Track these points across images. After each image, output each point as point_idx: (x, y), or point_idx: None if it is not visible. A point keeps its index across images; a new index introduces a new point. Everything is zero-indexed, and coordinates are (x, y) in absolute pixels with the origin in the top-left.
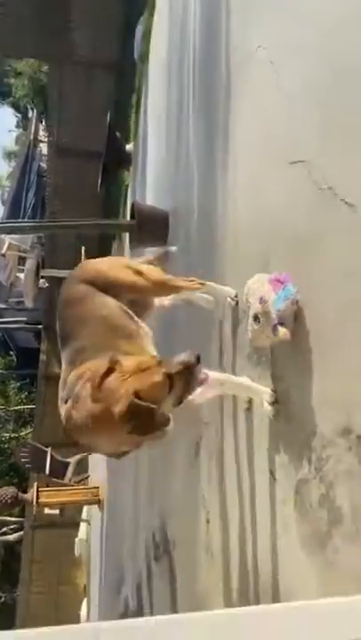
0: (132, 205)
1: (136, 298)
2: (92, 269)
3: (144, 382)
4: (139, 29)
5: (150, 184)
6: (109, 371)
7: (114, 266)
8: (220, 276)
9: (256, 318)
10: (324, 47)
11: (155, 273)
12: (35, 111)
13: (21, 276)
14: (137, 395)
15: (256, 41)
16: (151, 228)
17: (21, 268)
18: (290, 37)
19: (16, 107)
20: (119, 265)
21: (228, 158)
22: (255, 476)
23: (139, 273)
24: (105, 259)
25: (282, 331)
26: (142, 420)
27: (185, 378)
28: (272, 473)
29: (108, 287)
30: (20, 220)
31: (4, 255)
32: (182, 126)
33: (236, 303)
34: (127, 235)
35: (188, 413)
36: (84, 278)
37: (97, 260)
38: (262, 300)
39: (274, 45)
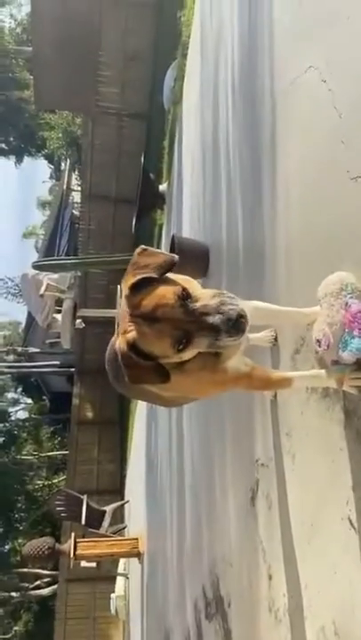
0: (172, 239)
1: None
2: None
3: None
4: (169, 75)
5: (186, 222)
6: None
7: None
8: (273, 301)
9: (318, 342)
10: None
11: None
12: (68, 161)
13: (58, 317)
14: None
15: (306, 62)
16: (192, 260)
17: (58, 308)
18: (344, 52)
19: (49, 159)
20: None
21: (277, 186)
22: (329, 526)
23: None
24: None
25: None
26: None
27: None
28: (350, 521)
29: None
30: (57, 257)
31: (42, 296)
32: (220, 163)
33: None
34: None
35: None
36: None
37: None
38: (323, 344)
39: (326, 63)
